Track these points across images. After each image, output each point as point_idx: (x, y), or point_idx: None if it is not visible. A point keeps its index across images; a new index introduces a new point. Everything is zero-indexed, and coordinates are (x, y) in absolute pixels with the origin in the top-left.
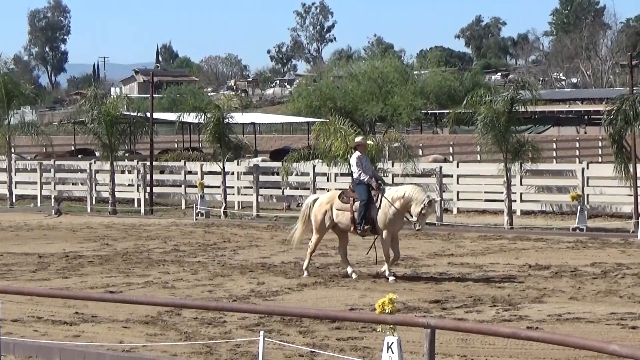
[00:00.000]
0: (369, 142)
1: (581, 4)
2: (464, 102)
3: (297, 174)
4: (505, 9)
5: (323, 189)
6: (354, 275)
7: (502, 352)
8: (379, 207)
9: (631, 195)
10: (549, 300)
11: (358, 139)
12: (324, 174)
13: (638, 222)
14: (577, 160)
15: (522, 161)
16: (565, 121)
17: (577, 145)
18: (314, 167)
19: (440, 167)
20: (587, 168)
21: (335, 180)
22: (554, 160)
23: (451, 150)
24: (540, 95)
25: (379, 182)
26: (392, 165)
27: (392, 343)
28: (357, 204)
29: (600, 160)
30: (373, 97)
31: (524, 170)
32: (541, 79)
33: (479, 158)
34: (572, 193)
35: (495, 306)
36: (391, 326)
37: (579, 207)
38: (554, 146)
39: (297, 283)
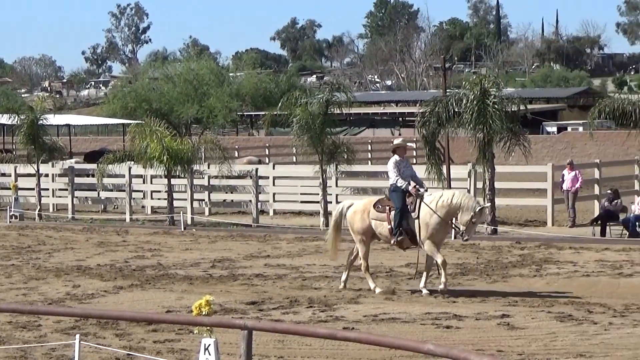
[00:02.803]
0: (409, 144)
1: (395, 7)
2: (280, 104)
3: (112, 176)
4: (320, 11)
5: (139, 191)
6: (340, 286)
7: (319, 352)
8: (417, 216)
9: None
10: (365, 301)
11: (397, 141)
12: (139, 176)
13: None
14: None
15: (338, 163)
16: (380, 123)
17: None
18: (129, 169)
19: (256, 169)
20: None
21: (151, 182)
22: (369, 162)
23: (267, 152)
24: (355, 98)
25: (418, 187)
26: (209, 167)
27: (209, 345)
28: (393, 213)
29: (414, 161)
30: (189, 99)
31: (340, 171)
32: (356, 81)
33: (294, 160)
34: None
35: (312, 307)
36: (208, 328)
37: None
38: (369, 148)
39: (114, 285)
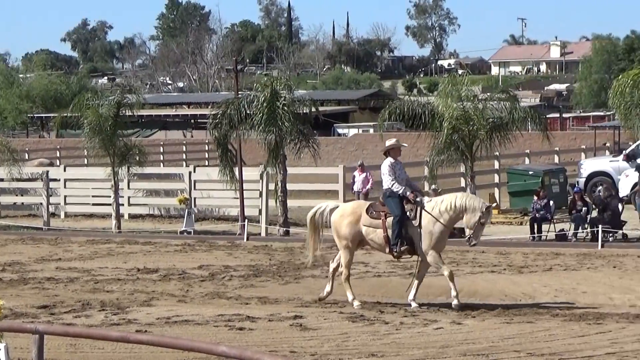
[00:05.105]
0: (403, 144)
1: (187, 8)
2: (71, 106)
3: None
4: (111, 12)
5: None
6: (322, 294)
7: (112, 356)
8: (419, 224)
9: (237, 198)
10: (158, 304)
11: (390, 142)
12: None
13: (244, 225)
14: (185, 163)
15: (130, 165)
16: (172, 125)
17: (184, 149)
18: None
19: (47, 171)
20: (194, 171)
21: None
22: (162, 164)
23: (58, 154)
24: (147, 100)
25: (416, 193)
26: None
27: None
28: (389, 220)
29: (207, 163)
30: None
31: (132, 174)
32: (148, 83)
33: (86, 162)
34: (179, 196)
35: (104, 310)
36: None
37: (186, 210)
38: (161, 150)
39: None
